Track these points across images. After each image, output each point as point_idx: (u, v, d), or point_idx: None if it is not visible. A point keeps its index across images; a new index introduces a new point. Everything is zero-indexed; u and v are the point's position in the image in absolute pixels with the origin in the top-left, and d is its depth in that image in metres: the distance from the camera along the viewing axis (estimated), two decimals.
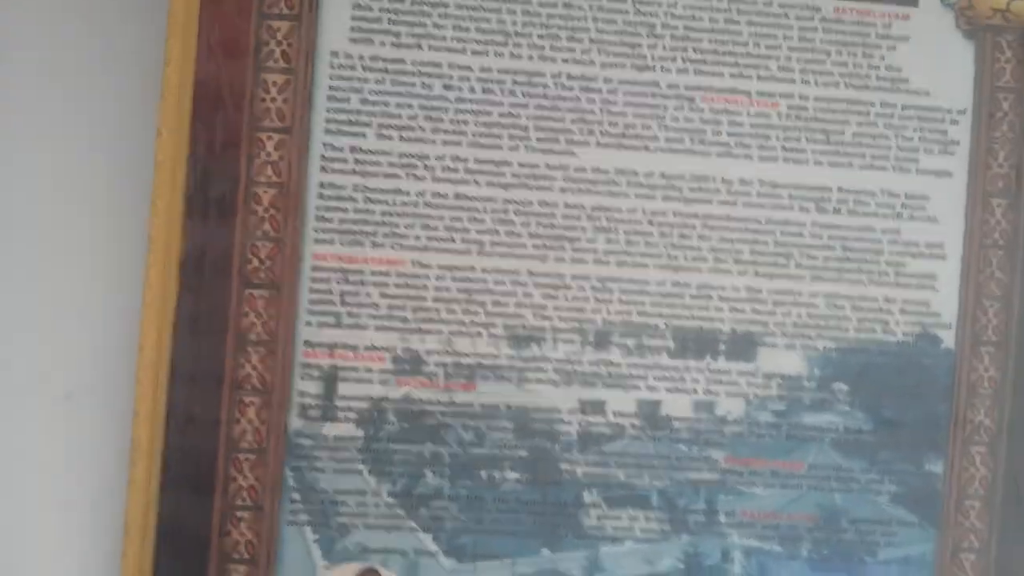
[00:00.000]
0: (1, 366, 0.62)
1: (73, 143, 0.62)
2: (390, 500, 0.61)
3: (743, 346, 0.60)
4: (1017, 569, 0.62)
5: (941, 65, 0.61)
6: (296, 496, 0.61)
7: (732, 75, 0.59)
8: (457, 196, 0.58)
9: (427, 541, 0.61)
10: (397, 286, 0.59)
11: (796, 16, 0.59)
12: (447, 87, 0.58)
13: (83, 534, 0.62)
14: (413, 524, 0.61)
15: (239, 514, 0.61)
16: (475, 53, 0.59)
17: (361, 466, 0.61)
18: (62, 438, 0.62)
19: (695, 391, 0.62)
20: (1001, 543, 0.61)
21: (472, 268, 0.59)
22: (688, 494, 0.60)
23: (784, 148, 0.59)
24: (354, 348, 0.59)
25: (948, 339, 0.60)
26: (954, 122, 0.60)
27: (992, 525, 0.60)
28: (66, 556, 0.62)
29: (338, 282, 0.59)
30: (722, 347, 0.60)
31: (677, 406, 0.61)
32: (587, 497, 0.62)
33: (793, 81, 0.60)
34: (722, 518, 0.60)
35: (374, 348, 0.59)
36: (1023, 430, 0.61)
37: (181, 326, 0.59)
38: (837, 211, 0.59)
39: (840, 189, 0.59)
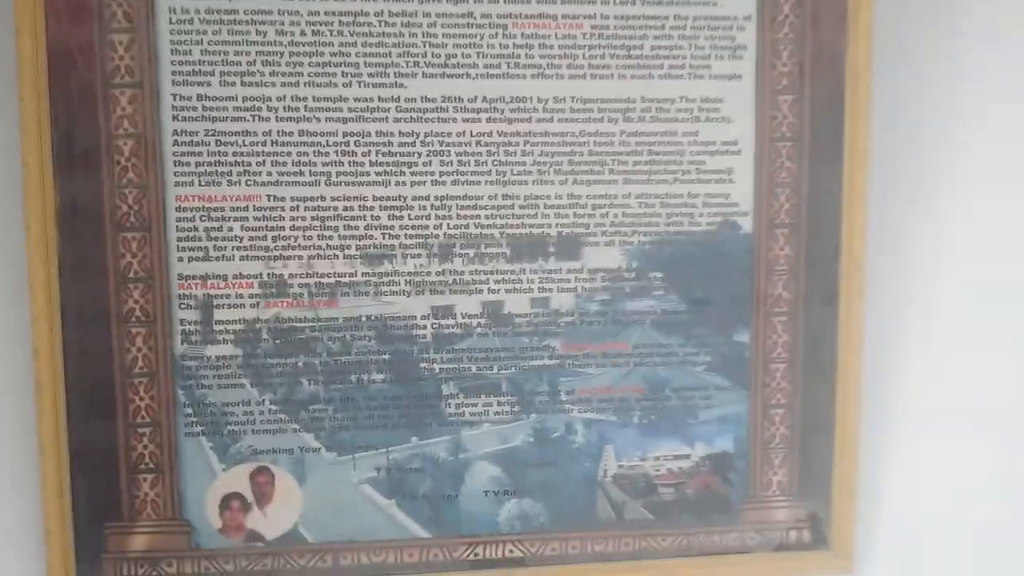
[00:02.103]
0: None
1: None
2: (273, 407, 0.70)
3: (569, 247, 0.69)
4: (819, 416, 0.72)
5: None
6: (189, 411, 0.72)
7: (539, 1, 0.65)
8: (301, 133, 0.66)
9: (309, 439, 0.71)
10: (256, 219, 0.67)
11: None
12: (280, 32, 0.65)
13: (2, 463, 0.69)
14: (296, 426, 0.71)
15: (140, 430, 0.72)
16: None
17: (244, 380, 0.73)
18: None
19: (531, 290, 0.74)
20: (804, 397, 0.70)
21: (322, 197, 0.66)
22: (532, 379, 0.70)
23: (591, 65, 0.68)
24: (224, 277, 0.67)
25: (746, 225, 0.69)
26: (740, 28, 0.68)
27: (796, 383, 0.70)
28: None
29: (202, 219, 0.66)
30: (551, 249, 0.69)
31: (516, 304, 0.74)
32: (445, 390, 0.73)
33: (594, 2, 0.68)
34: (563, 397, 0.70)
35: (242, 276, 0.67)
36: (817, 299, 0.70)
37: (65, 270, 0.68)
38: (642, 119, 0.68)
39: (643, 99, 0.68)
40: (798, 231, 0.72)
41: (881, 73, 0.72)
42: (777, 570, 0.74)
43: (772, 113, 0.70)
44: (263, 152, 0.67)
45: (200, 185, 0.67)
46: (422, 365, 0.71)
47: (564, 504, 0.72)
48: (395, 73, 0.68)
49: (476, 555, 0.72)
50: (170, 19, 0.66)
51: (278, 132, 0.67)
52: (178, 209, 0.67)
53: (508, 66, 0.68)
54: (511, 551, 0.73)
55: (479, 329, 0.71)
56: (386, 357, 0.71)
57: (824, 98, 0.70)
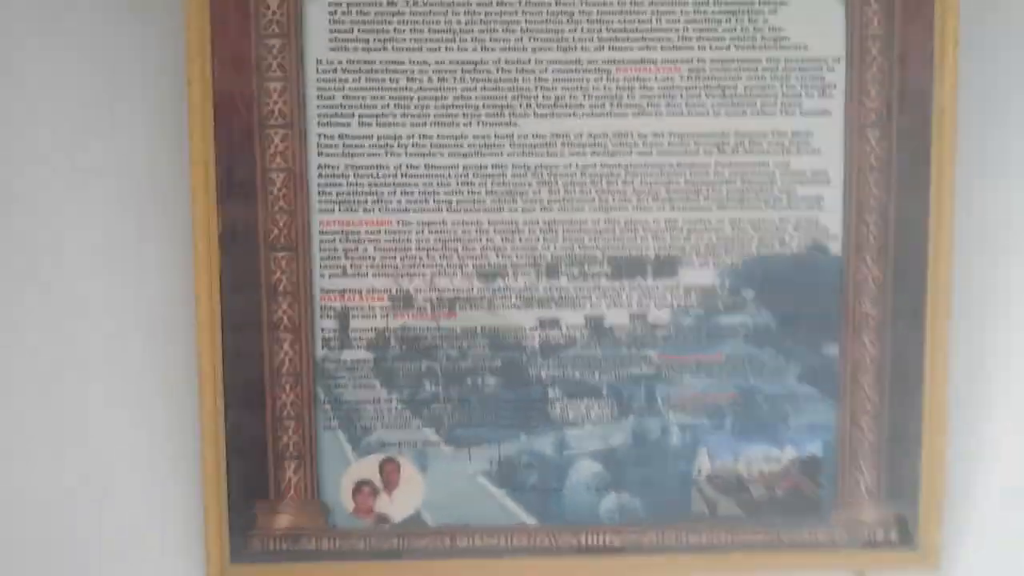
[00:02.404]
0: (105, 330, 0.85)
1: (131, 153, 0.83)
2: (399, 405, 0.84)
3: (666, 266, 0.78)
4: (905, 425, 0.82)
5: (816, 21, 0.81)
6: (327, 407, 0.83)
7: (640, 48, 0.78)
8: (427, 166, 0.76)
9: (430, 434, 0.84)
10: (387, 241, 0.77)
11: None
12: (410, 79, 0.75)
13: (166, 445, 0.85)
14: (419, 422, 0.84)
15: (286, 423, 0.83)
16: (430, 50, 0.80)
17: (374, 381, 0.84)
18: (148, 375, 0.85)
19: (630, 305, 0.82)
20: (891, 406, 0.75)
21: (444, 222, 0.76)
22: (630, 386, 0.80)
23: (687, 104, 0.77)
24: (359, 291, 0.79)
25: (836, 248, 0.78)
26: (830, 69, 0.75)
27: (883, 393, 0.75)
28: (158, 465, 0.86)
29: (341, 241, 0.75)
30: (649, 268, 0.78)
31: (617, 318, 0.82)
32: (551, 393, 0.83)
33: (691, 48, 0.78)
34: (659, 402, 0.78)
35: (374, 291, 0.78)
36: (904, 317, 0.75)
37: (225, 285, 0.81)
38: (735, 151, 0.76)
39: (737, 133, 0.76)
40: (886, 253, 0.78)
41: (966, 110, 0.78)
42: (864, 564, 0.79)
43: (860, 146, 0.76)
44: (394, 183, 0.77)
45: (340, 212, 0.77)
46: (530, 371, 0.80)
47: (660, 499, 0.81)
48: (509, 113, 0.77)
49: (579, 543, 0.80)
50: (317, 69, 0.76)
51: (407, 166, 0.77)
52: (321, 232, 0.78)
53: (611, 106, 0.77)
54: (611, 540, 0.81)
55: (582, 340, 0.79)
56: (498, 363, 0.80)
57: (910, 132, 0.77)
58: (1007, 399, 0.86)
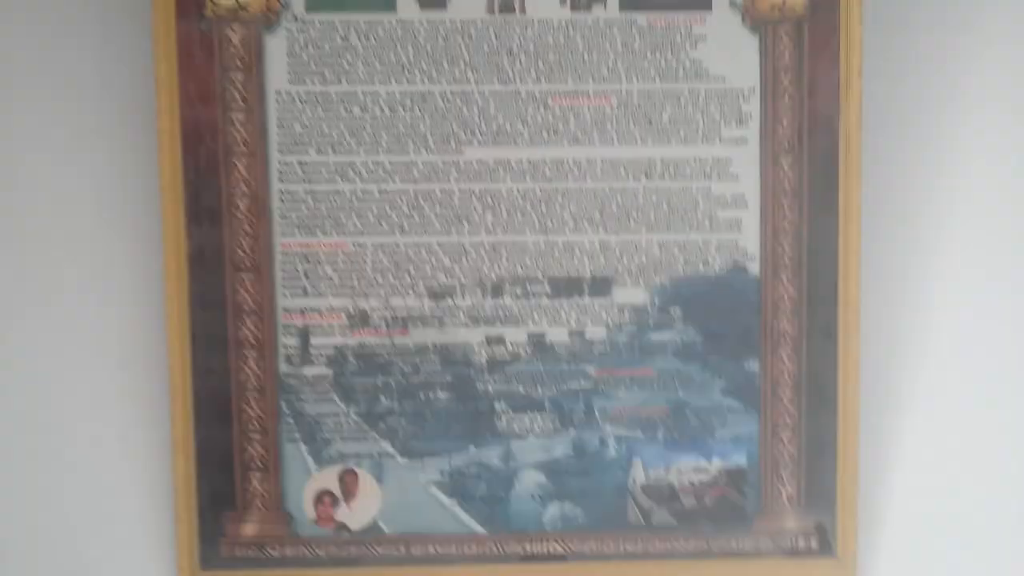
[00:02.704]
0: (80, 346, 0.90)
1: (104, 179, 0.89)
2: (357, 419, 0.86)
3: (601, 286, 0.82)
4: (822, 437, 0.87)
5: (733, 55, 0.86)
6: (290, 420, 0.89)
7: (574, 80, 0.83)
8: (380, 192, 0.82)
9: (386, 446, 0.89)
10: (344, 263, 0.82)
11: (619, 29, 0.83)
12: (363, 109, 0.82)
13: (139, 458, 0.90)
14: (375, 435, 0.90)
15: (252, 436, 0.89)
16: (381, 82, 0.87)
17: (334, 395, 0.89)
18: (121, 391, 0.90)
19: (569, 323, 0.87)
20: (808, 419, 0.80)
21: (397, 244, 0.82)
22: (570, 399, 0.83)
23: (617, 133, 0.83)
24: (319, 310, 0.83)
25: (754, 269, 0.82)
26: (746, 99, 0.81)
27: (800, 406, 0.80)
28: (132, 476, 0.90)
29: (301, 263, 0.81)
30: (586, 288, 0.83)
31: (557, 335, 0.88)
32: (498, 407, 0.88)
33: (620, 80, 0.85)
34: (597, 415, 0.82)
35: (333, 309, 0.83)
36: (818, 333, 0.79)
37: (194, 303, 0.86)
38: (662, 177, 0.81)
39: (662, 160, 0.81)
40: (800, 273, 0.83)
41: (872, 136, 0.84)
42: (787, 573, 0.83)
43: (775, 172, 0.82)
44: (349, 207, 0.83)
45: (300, 235, 0.83)
46: (478, 385, 0.85)
47: (599, 508, 0.85)
48: (455, 141, 0.83)
49: (524, 550, 0.84)
50: (277, 100, 0.83)
51: (362, 191, 0.83)
52: (282, 254, 0.83)
53: (548, 135, 0.83)
54: (554, 548, 0.85)
55: (525, 356, 0.84)
56: (448, 378, 0.85)
57: (820, 158, 0.83)
58: (916, 410, 0.90)
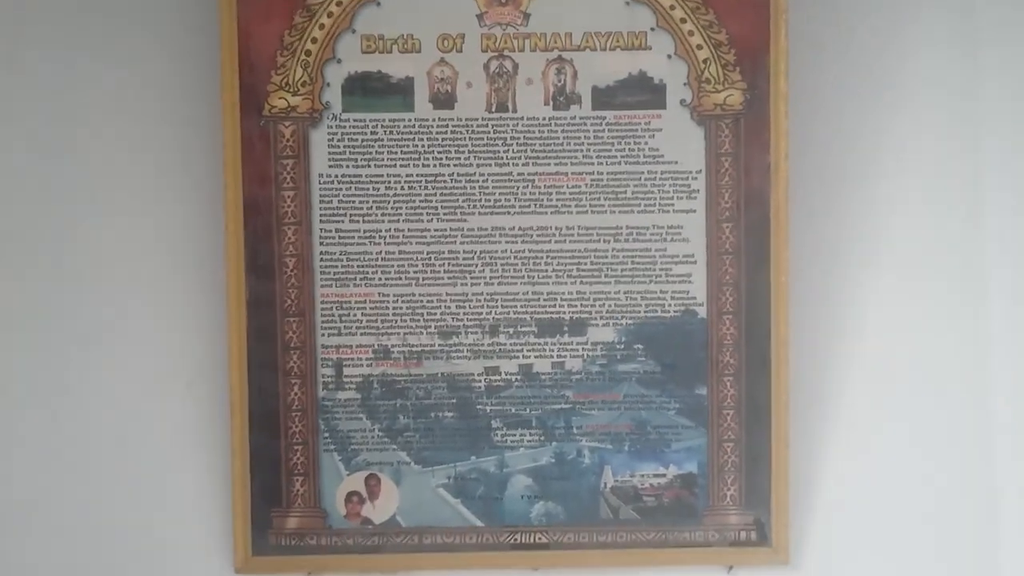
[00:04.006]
0: (159, 373, 1.06)
1: (180, 240, 1.05)
2: (380, 433, 1.04)
3: (578, 327, 1.02)
4: (759, 449, 1.01)
5: (683, 143, 1.02)
6: (326, 435, 1.05)
7: (556, 164, 1.02)
8: (400, 252, 0.98)
9: (403, 456, 1.04)
10: (371, 308, 1.01)
11: (591, 124, 0.99)
12: (387, 187, 0.99)
13: (203, 462, 1.05)
14: (395, 447, 1.04)
15: (295, 446, 1.04)
16: (402, 166, 1.03)
17: (361, 415, 1.04)
18: (191, 409, 1.06)
19: (552, 356, 1.03)
20: (747, 434, 1.01)
21: (413, 294, 1.00)
22: (553, 418, 1.03)
23: (591, 205, 1.03)
24: (350, 346, 1.01)
25: (702, 312, 1.00)
26: (694, 178, 0.99)
27: (741, 423, 0.95)
28: (198, 477, 1.05)
29: (336, 309, 0.97)
30: (565, 328, 1.03)
31: (542, 366, 1.04)
32: (494, 424, 1.04)
33: (592, 163, 1.02)
34: (575, 431, 1.01)
35: (361, 346, 0.99)
36: (754, 365, 0.94)
37: (251, 340, 1.03)
38: (627, 240, 0.98)
39: (627, 227, 1.01)
40: (739, 317, 1.01)
41: (797, 206, 1.00)
42: (731, 559, 0.98)
43: (718, 235, 0.98)
44: (375, 265, 0.99)
45: (336, 287, 0.99)
46: (478, 407, 1.02)
47: (576, 506, 1.01)
48: (460, 212, 1.00)
49: (515, 540, 0.99)
50: (319, 181, 1.01)
51: (385, 252, 0.99)
52: (322, 302, 1.00)
53: (535, 206, 1.00)
54: (539, 538, 1.01)
55: (516, 383, 0.99)
56: (454, 401, 1.01)
57: (755, 225, 1.00)
58: (836, 427, 1.04)
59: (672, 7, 0.98)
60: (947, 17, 1.05)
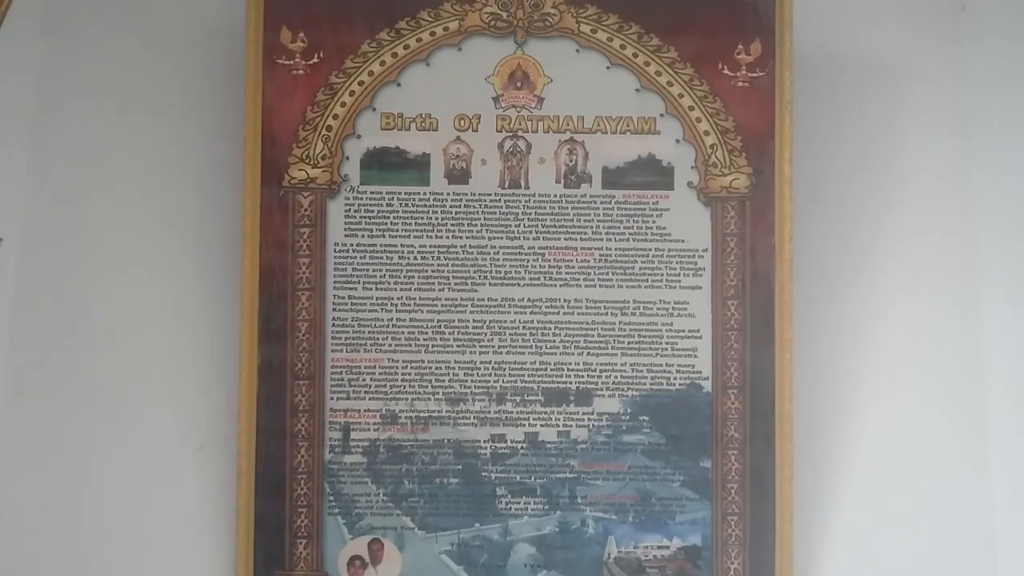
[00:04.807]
0: (169, 437, 1.05)
1: (195, 305, 1.06)
2: (384, 498, 1.03)
3: (584, 397, 1.01)
4: (763, 523, 1.00)
5: (690, 223, 1.03)
6: (331, 498, 1.04)
7: (565, 239, 1.04)
8: (411, 320, 0.98)
9: (407, 521, 1.03)
10: (380, 374, 1.00)
11: (601, 202, 1.00)
12: (400, 257, 1.00)
13: (208, 524, 1.04)
14: (399, 512, 1.03)
15: (300, 509, 1.03)
16: (415, 236, 1.05)
17: (367, 479, 1.03)
18: (199, 470, 1.05)
19: (558, 425, 1.02)
20: (752, 508, 0.95)
21: (422, 361, 1.00)
22: (558, 487, 1.03)
23: (599, 279, 1.03)
24: (358, 410, 0.99)
25: (707, 386, 0.99)
26: (700, 256, 0.99)
27: (745, 497, 0.94)
28: (202, 539, 1.04)
29: (346, 373, 0.96)
30: (571, 398, 1.02)
31: (548, 435, 1.03)
32: (499, 491, 1.03)
33: (601, 239, 1.03)
34: (579, 500, 1.00)
35: (369, 410, 0.99)
36: (759, 439, 0.95)
37: (260, 404, 1.03)
38: (634, 314, 0.98)
39: (634, 301, 1.01)
40: (744, 391, 1.01)
41: (801, 284, 1.01)
42: None
43: (723, 312, 0.99)
44: (386, 331, 0.99)
45: (346, 352, 0.99)
46: (483, 474, 1.01)
47: None
48: (471, 283, 1.01)
49: None
50: (334, 249, 1.01)
51: (396, 319, 1.00)
52: (332, 366, 1.00)
53: (544, 279, 1.01)
54: None
55: (522, 450, 1.00)
56: (460, 467, 1.01)
57: (759, 303, 1.01)
58: (841, 502, 1.04)
59: (681, 95, 1.01)
60: (940, 102, 1.08)
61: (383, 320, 1.01)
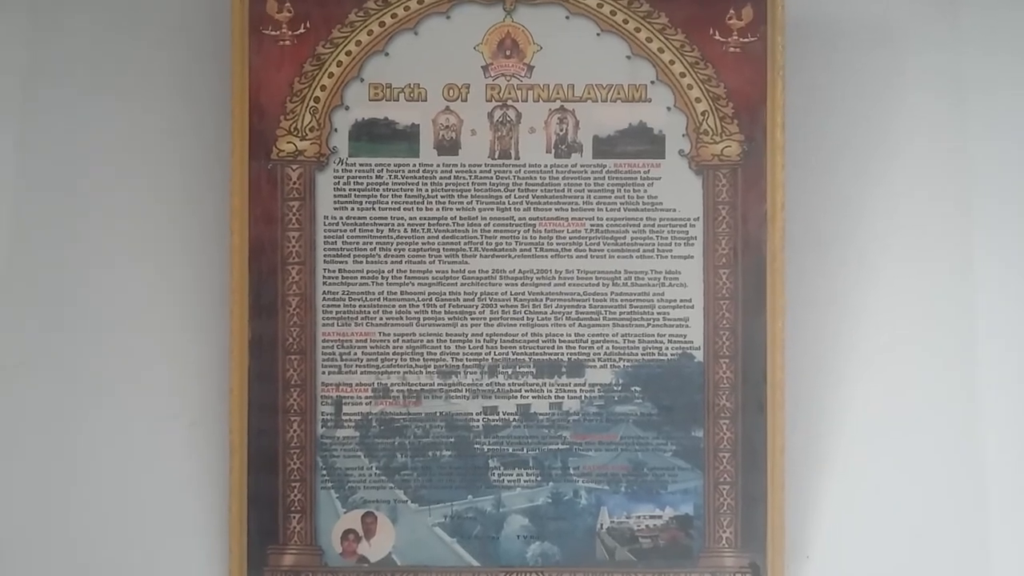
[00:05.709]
0: (161, 412, 1.04)
1: (184, 281, 1.04)
2: (377, 472, 1.02)
3: (576, 368, 0.98)
4: (755, 492, 0.98)
5: (682, 191, 1.01)
6: (324, 472, 1.02)
7: (556, 209, 1.01)
8: (402, 293, 0.97)
9: (400, 494, 1.02)
10: (371, 347, 0.98)
11: (592, 171, 0.99)
12: (391, 230, 0.98)
13: (201, 500, 1.03)
14: (392, 485, 1.02)
15: (293, 484, 1.02)
16: (405, 209, 1.03)
17: (359, 453, 1.02)
18: (191, 447, 1.03)
19: (550, 397, 1.01)
20: (743, 477, 0.94)
21: (413, 334, 0.98)
22: (550, 458, 1.01)
23: (590, 250, 1.01)
24: (349, 384, 0.97)
25: (699, 356, 0.97)
26: (692, 225, 0.97)
27: (737, 466, 0.93)
28: (196, 517, 1.03)
29: (337, 348, 0.95)
30: (563, 370, 1.00)
31: (540, 406, 1.02)
32: (491, 463, 1.02)
33: (593, 209, 1.01)
34: (571, 471, 0.98)
35: (361, 384, 0.97)
36: (750, 408, 0.93)
37: (251, 379, 1.01)
38: (625, 284, 0.96)
39: (626, 271, 0.98)
40: (735, 360, 0.99)
41: (793, 252, 0.99)
42: None
43: (715, 281, 0.97)
44: (377, 305, 0.97)
45: (337, 326, 0.98)
46: (476, 446, 1.00)
47: (572, 547, 0.98)
48: (461, 254, 0.99)
49: None
50: (324, 222, 1.00)
51: (387, 292, 0.98)
52: (323, 341, 0.98)
53: (535, 250, 1.00)
54: None
55: (514, 423, 0.97)
56: (452, 440, 0.99)
57: (751, 271, 0.99)
58: (832, 470, 1.03)
59: (672, 62, 0.99)
60: (934, 67, 1.05)
61: (374, 293, 0.99)
